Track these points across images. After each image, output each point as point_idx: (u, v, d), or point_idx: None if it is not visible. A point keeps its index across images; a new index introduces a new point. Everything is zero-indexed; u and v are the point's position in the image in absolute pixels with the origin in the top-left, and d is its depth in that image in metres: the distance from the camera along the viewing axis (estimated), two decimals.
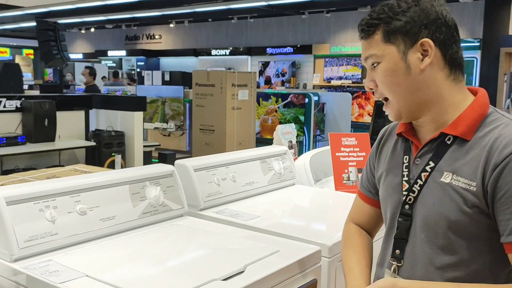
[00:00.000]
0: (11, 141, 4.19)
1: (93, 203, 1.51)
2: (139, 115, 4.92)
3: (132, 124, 4.84)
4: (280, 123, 6.57)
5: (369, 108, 8.08)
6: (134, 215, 1.60)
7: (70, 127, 4.83)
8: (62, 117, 4.67)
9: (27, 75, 14.58)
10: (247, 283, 1.22)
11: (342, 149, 2.35)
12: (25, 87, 10.61)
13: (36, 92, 6.50)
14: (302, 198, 2.23)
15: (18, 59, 15.13)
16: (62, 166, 3.99)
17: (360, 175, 2.35)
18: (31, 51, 17.94)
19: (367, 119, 8.06)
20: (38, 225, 1.36)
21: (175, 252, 1.45)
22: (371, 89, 1.17)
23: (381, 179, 1.26)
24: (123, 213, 1.57)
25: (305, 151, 6.45)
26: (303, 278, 1.40)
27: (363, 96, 8.33)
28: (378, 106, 3.24)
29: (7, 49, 18.87)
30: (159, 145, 5.79)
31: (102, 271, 1.27)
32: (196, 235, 1.62)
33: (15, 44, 18.18)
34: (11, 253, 1.30)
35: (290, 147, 2.73)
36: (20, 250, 1.30)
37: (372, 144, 1.36)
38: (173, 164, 1.88)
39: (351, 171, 2.32)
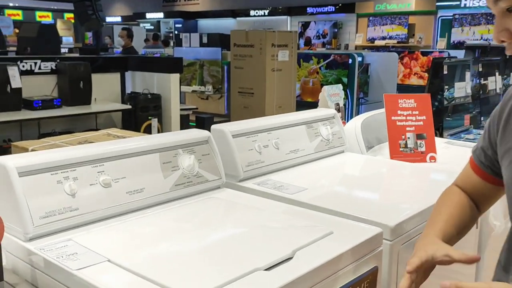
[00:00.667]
0: (47, 104, 4.10)
1: (118, 174, 1.32)
2: (175, 77, 4.73)
3: (168, 86, 4.66)
4: (321, 85, 6.24)
5: (417, 69, 7.63)
6: (165, 187, 1.41)
7: (105, 89, 4.70)
8: (98, 79, 4.54)
9: (68, 39, 14.64)
10: (297, 275, 1.01)
11: (399, 112, 2.08)
12: (65, 50, 10.64)
13: (75, 55, 6.42)
14: (353, 167, 1.99)
15: (59, 23, 15.20)
16: (99, 129, 3.88)
17: (419, 141, 2.10)
18: (72, 15, 17.99)
19: (414, 81, 7.63)
20: (55, 199, 1.19)
21: (211, 231, 1.26)
22: (502, 41, 0.91)
23: (505, 157, 1.01)
24: (152, 185, 1.38)
25: (348, 116, 6.15)
26: (361, 266, 1.18)
27: (410, 56, 7.86)
28: (436, 64, 2.91)
29: (49, 13, 18.99)
30: (197, 108, 5.62)
31: (126, 255, 1.09)
32: (235, 211, 1.42)
33: (56, 8, 18.26)
34: (25, 231, 1.13)
35: (338, 110, 2.47)
36: (35, 228, 1.14)
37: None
38: (210, 129, 1.67)
39: (408, 137, 2.06)
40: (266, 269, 1.03)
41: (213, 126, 1.70)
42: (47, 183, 1.19)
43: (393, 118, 2.08)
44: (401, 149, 2.05)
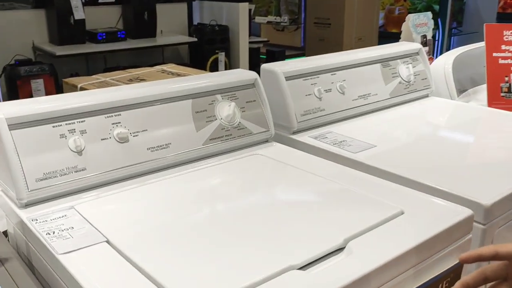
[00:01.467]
0: (111, 36, 3.94)
1: (138, 126, 1.08)
2: (244, 7, 4.38)
3: (237, 17, 4.33)
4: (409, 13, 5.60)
5: None
6: (197, 142, 1.15)
7: (172, 21, 4.45)
8: (163, 10, 4.30)
9: None
10: (344, 282, 0.73)
11: (503, 47, 1.64)
12: None
13: None
14: (438, 117, 1.61)
15: None
16: (164, 63, 3.70)
17: None
18: None
19: None
20: (57, 157, 0.98)
21: (243, 204, 0.99)
22: None
23: None
24: (181, 139, 1.13)
25: (437, 51, 5.47)
26: (440, 262, 0.87)
27: None
28: None
29: None
30: (268, 41, 5.26)
31: (131, 236, 0.86)
32: (279, 175, 1.13)
33: None
34: (19, 196, 0.94)
35: (424, 44, 2.06)
36: (30, 193, 0.94)
37: None
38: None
39: None
40: (301, 268, 0.76)
41: (262, 66, 1.40)
42: (46, 138, 0.98)
43: (494, 54, 1.65)
44: (502, 94, 1.64)
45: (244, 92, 1.26)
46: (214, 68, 4.25)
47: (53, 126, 0.99)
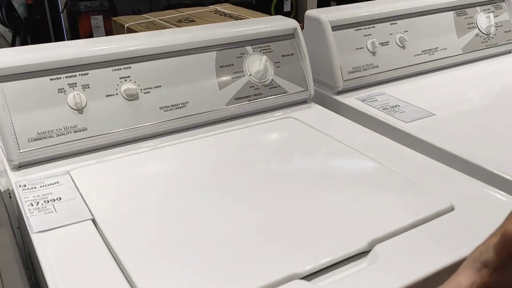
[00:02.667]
0: None
1: (149, 81, 0.95)
2: None
3: None
4: None
5: None
6: (219, 102, 1.00)
7: None
8: None
9: None
10: None
11: None
12: None
13: None
14: None
15: None
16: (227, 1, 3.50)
17: None
18: None
19: None
20: (54, 115, 0.87)
21: (258, 182, 0.83)
22: None
23: None
24: (199, 98, 0.98)
25: None
26: None
27: None
28: None
29: None
30: None
31: (124, 213, 0.74)
32: (309, 146, 0.96)
33: None
34: (9, 157, 0.84)
35: None
36: (21, 154, 0.84)
37: None
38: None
39: None
40: (307, 277, 0.61)
41: (306, 13, 1.19)
42: (42, 92, 0.87)
43: None
44: None
45: (280, 44, 1.08)
46: (279, 8, 3.99)
47: (51, 79, 0.88)
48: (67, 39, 3.45)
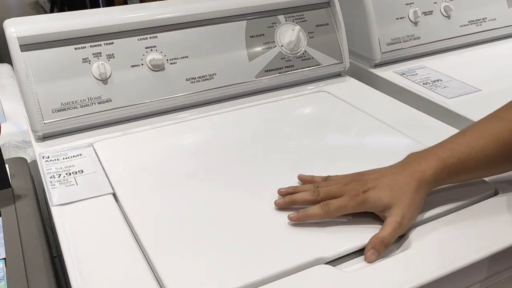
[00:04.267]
0: None
1: (176, 52, 0.91)
2: None
3: None
4: None
5: None
6: (248, 73, 0.96)
7: None
8: None
9: None
10: None
11: None
12: None
13: None
14: None
15: None
16: None
17: None
18: None
19: None
20: (78, 85, 0.84)
21: (283, 159, 0.78)
22: None
23: None
24: (228, 70, 0.94)
25: None
26: None
27: None
28: None
29: None
30: None
31: (147, 188, 0.72)
32: (342, 122, 0.90)
33: None
34: (33, 128, 0.83)
35: None
36: (46, 125, 0.83)
37: None
38: None
39: None
40: (331, 261, 0.57)
41: None
42: (66, 62, 0.84)
43: None
44: None
45: (314, 13, 1.02)
46: None
47: (75, 48, 0.85)
48: None
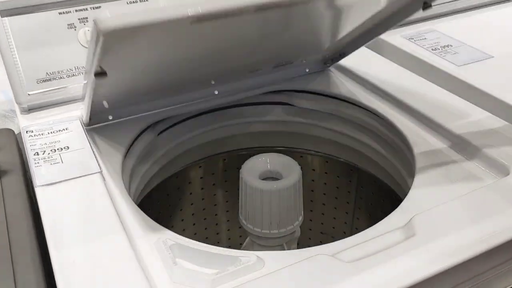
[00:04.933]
0: None
1: None
2: None
3: None
4: None
5: None
6: None
7: None
8: None
9: None
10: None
11: None
12: None
13: None
14: None
15: None
16: None
17: None
18: None
19: None
20: (64, 53, 0.79)
21: None
22: None
23: None
24: None
25: None
26: None
27: None
28: None
29: None
30: None
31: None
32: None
33: None
34: (17, 100, 0.78)
35: None
36: (30, 96, 0.78)
37: None
38: None
39: None
40: (334, 255, 0.53)
41: None
42: (50, 28, 0.79)
43: None
44: None
45: None
46: None
47: (60, 13, 0.79)
48: None
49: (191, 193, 1.00)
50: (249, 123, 0.95)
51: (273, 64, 0.87)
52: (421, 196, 0.61)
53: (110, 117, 0.78)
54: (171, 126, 0.87)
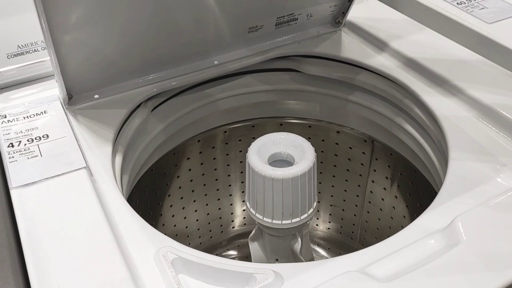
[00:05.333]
0: None
1: None
2: None
3: None
4: None
5: None
6: None
7: None
8: None
9: None
10: None
11: None
12: None
13: None
14: None
15: None
16: None
17: None
18: None
19: None
20: (36, 23, 0.68)
21: None
22: None
23: None
24: None
25: None
26: None
27: None
28: None
29: None
30: None
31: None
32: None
33: None
34: None
35: None
36: (1, 74, 0.67)
37: None
38: None
39: None
40: (364, 268, 0.45)
41: None
42: None
43: None
44: None
45: None
46: None
47: None
48: None
49: (190, 170, 0.92)
50: (252, 92, 0.85)
51: (273, 19, 0.76)
52: (460, 187, 0.53)
53: (96, 96, 0.68)
54: (165, 101, 0.77)
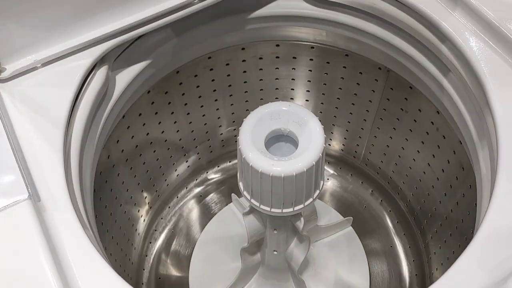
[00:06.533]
0: None
1: None
2: None
3: None
4: None
5: None
6: None
7: None
8: None
9: None
10: None
11: None
12: None
13: None
14: None
15: None
16: None
17: None
18: None
19: None
20: None
21: None
22: None
23: None
24: None
25: None
26: None
27: None
28: None
29: None
30: None
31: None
32: None
33: None
34: None
35: None
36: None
37: None
38: None
39: None
40: None
41: None
42: None
43: None
44: None
45: None
46: None
47: None
48: None
49: (183, 94, 0.78)
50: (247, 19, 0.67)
51: None
52: None
53: (31, 58, 0.51)
54: (125, 50, 0.59)
